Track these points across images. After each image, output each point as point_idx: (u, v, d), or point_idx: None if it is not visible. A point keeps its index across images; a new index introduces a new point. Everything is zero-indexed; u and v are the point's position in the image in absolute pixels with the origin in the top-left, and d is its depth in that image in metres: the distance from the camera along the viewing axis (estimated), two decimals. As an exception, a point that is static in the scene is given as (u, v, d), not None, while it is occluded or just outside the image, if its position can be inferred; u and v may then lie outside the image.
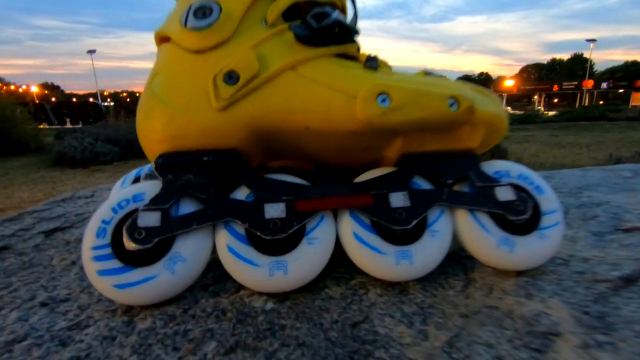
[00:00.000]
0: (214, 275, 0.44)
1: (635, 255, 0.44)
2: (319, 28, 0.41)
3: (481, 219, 0.42)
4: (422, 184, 0.43)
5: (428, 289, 0.41)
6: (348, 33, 0.44)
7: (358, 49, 0.46)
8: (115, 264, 0.37)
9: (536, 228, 0.42)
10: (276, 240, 0.39)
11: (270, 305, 0.38)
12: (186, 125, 0.40)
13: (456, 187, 0.43)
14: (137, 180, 0.59)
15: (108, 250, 0.38)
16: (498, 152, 3.85)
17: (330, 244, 0.41)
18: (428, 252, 0.40)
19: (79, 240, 0.56)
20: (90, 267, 0.37)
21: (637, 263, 0.42)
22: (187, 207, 0.40)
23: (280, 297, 0.40)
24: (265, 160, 0.48)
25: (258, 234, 0.39)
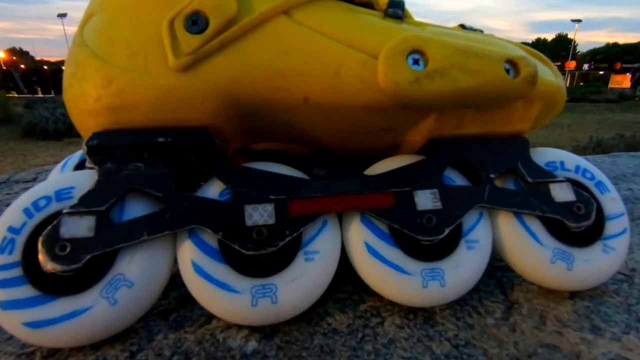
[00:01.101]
0: (178, 297, 0.33)
1: None
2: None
3: (531, 226, 0.32)
4: (456, 178, 0.33)
5: (460, 316, 0.31)
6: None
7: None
8: (28, 291, 0.26)
9: (599, 237, 0.33)
10: (261, 257, 0.28)
11: (252, 344, 0.28)
12: (131, 91, 0.28)
13: (500, 183, 0.33)
14: (82, 164, 0.46)
15: (17, 272, 0.26)
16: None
17: (335, 259, 0.30)
18: (464, 269, 0.30)
19: (6, 241, 0.44)
20: (-10, 297, 0.26)
21: None
22: (134, 208, 0.28)
23: (266, 330, 0.29)
24: (246, 142, 0.37)
25: (236, 247, 0.28)
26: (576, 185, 0.34)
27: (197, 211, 0.28)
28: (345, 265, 0.31)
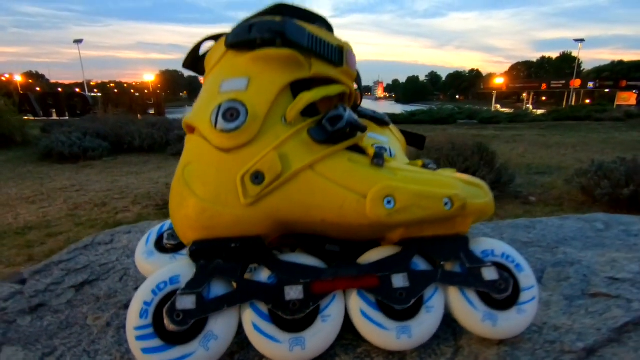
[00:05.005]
0: (238, 342, 0.50)
1: (598, 325, 0.52)
2: (333, 131, 0.47)
3: (469, 296, 0.49)
4: (420, 263, 0.50)
5: (423, 356, 0.48)
6: (357, 128, 0.50)
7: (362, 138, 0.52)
8: (157, 342, 0.43)
9: (515, 303, 0.49)
10: (295, 319, 0.46)
11: (290, 375, 0.45)
12: (217, 217, 0.46)
13: (448, 267, 0.50)
14: (160, 238, 0.64)
15: (150, 330, 0.44)
16: (487, 155, 3.91)
17: (341, 319, 0.47)
18: (425, 326, 0.47)
19: (108, 296, 0.62)
20: (136, 346, 0.43)
21: (599, 333, 0.50)
22: (218, 289, 0.46)
23: (297, 366, 0.46)
24: (281, 234, 0.54)
25: (280, 314, 0.45)
26: (501, 267, 0.51)
27: (256, 291, 0.46)
28: (347, 321, 0.48)
